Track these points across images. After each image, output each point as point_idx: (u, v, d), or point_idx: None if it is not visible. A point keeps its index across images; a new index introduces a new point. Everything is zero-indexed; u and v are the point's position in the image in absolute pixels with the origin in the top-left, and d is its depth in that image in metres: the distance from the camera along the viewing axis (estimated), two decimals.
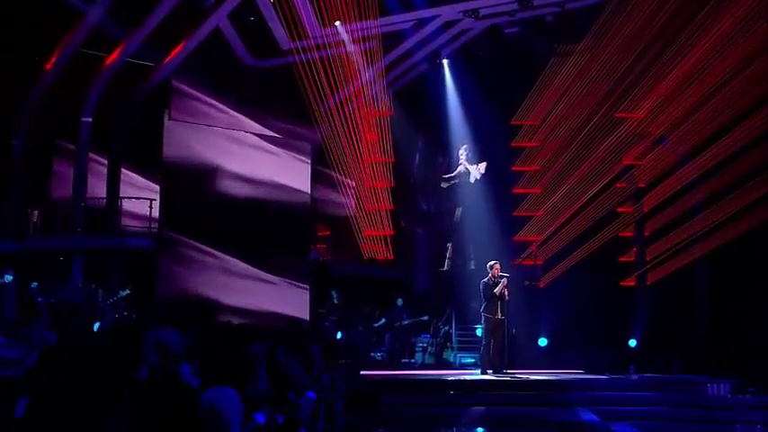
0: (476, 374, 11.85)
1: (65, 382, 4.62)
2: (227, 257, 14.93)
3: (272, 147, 15.78)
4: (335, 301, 15.79)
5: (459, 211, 15.16)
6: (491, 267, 11.80)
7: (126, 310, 13.11)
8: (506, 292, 11.48)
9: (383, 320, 15.30)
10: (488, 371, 11.62)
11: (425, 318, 14.96)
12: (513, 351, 12.39)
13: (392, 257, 16.21)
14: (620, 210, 15.31)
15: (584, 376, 12.00)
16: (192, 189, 14.81)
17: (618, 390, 10.98)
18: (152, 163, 14.95)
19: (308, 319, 15.19)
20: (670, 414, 10.06)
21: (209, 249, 14.83)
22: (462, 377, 11.36)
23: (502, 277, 11.64)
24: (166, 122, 14.73)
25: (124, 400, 4.07)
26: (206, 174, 15.06)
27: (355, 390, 8.52)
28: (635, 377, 11.91)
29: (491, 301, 11.55)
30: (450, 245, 15.29)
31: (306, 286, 15.59)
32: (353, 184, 16.07)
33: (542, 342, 14.41)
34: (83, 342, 6.34)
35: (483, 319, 11.66)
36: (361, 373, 10.79)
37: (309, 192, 16.04)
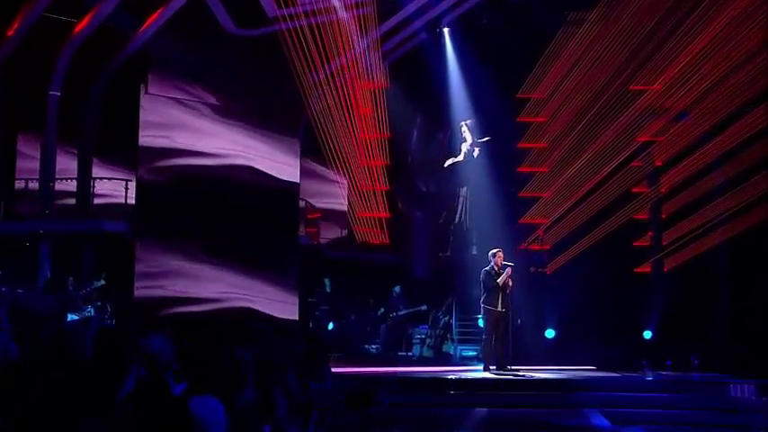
0: (478, 371, 11.69)
1: (30, 406, 4.25)
2: (209, 243, 14.68)
3: (258, 123, 15.41)
4: (328, 289, 15.79)
5: (463, 191, 15.06)
6: (494, 255, 11.54)
7: (100, 301, 12.79)
8: (509, 283, 11.26)
9: (382, 310, 15.30)
10: (491, 367, 11.47)
11: (423, 307, 14.89)
12: (518, 344, 12.26)
13: (388, 242, 16.19)
14: (635, 190, 15.08)
15: (593, 374, 11.83)
16: (169, 169, 14.55)
17: (631, 390, 10.78)
18: (127, 140, 14.53)
19: (296, 310, 15.08)
20: (688, 418, 9.85)
21: (188, 235, 14.57)
22: (463, 375, 11.19)
23: (505, 266, 11.41)
24: (142, 97, 14.46)
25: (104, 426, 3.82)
26: (185, 152, 14.82)
27: (347, 389, 8.30)
28: (650, 377, 11.71)
29: (492, 291, 11.34)
30: (451, 228, 15.18)
31: (293, 273, 15.34)
32: (346, 162, 15.89)
33: (549, 334, 14.34)
34: (54, 356, 5.87)
35: (483, 311, 11.47)
36: (351, 370, 10.68)
37: (298, 172, 15.81)
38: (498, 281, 11.33)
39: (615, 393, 10.55)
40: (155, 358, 4.05)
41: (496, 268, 11.50)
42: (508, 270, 11.35)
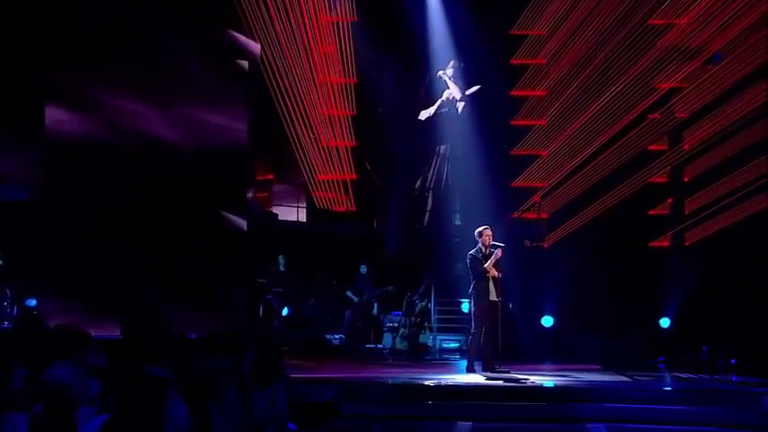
0: (460, 372, 11.30)
1: None
2: (134, 213, 13.60)
3: (194, 62, 14.21)
4: (282, 267, 15.22)
5: (443, 150, 15.18)
6: (480, 235, 10.97)
7: None
8: (496, 273, 10.77)
9: (348, 293, 14.93)
10: (475, 365, 11.11)
11: (390, 288, 14.58)
12: (508, 335, 12.06)
13: (354, 209, 15.81)
14: (652, 149, 14.67)
15: (598, 378, 11.29)
16: (80, 118, 13.52)
17: (644, 401, 9.98)
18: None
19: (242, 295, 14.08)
20: None
21: (106, 204, 13.53)
22: (444, 380, 10.65)
23: (495, 247, 10.82)
24: None
25: None
26: (99, 103, 13.75)
27: (305, 400, 7.80)
28: (667, 382, 11.24)
29: (481, 278, 10.84)
30: (429, 194, 15.34)
31: (241, 248, 14.29)
32: (304, 111, 15.28)
33: (547, 322, 14.06)
34: None
35: (472, 301, 11.09)
36: (309, 376, 10.20)
37: (246, 126, 14.51)
38: (486, 266, 10.78)
39: (625, 405, 9.84)
40: (63, 394, 3.72)
41: (484, 249, 10.94)
42: (497, 253, 10.77)
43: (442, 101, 14.61)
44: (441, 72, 14.71)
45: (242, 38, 14.43)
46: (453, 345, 14.08)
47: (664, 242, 14.76)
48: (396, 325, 14.33)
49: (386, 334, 14.48)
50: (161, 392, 5.73)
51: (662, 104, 14.50)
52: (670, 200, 14.92)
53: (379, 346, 14.43)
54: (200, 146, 13.94)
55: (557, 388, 10.47)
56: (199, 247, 13.72)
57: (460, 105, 14.51)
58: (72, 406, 3.80)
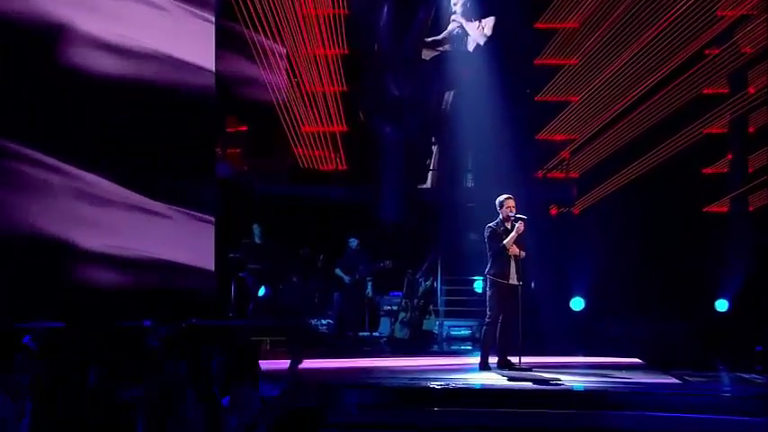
0: (473, 370, 10.81)
1: None
2: (85, 174, 13.15)
3: None
4: (257, 239, 14.72)
5: (449, 97, 15.20)
6: (501, 205, 10.42)
7: None
8: (517, 251, 10.43)
9: (338, 270, 14.47)
10: (491, 362, 10.71)
11: (387, 264, 14.18)
12: (531, 321, 11.81)
13: (344, 167, 15.95)
14: (707, 92, 14.49)
15: (641, 379, 10.66)
16: (26, 61, 12.93)
17: (698, 409, 9.30)
18: None
19: (211, 270, 13.64)
20: None
21: (55, 161, 13.11)
22: (453, 382, 10.18)
23: (517, 220, 10.35)
24: None
25: None
26: (49, 36, 13.14)
27: (284, 406, 7.66)
28: (728, 388, 10.56)
29: (500, 257, 10.33)
30: (434, 149, 15.33)
31: (209, 218, 13.82)
32: (284, 50, 15.31)
33: (577, 304, 14.21)
34: None
35: (489, 284, 10.63)
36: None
37: (213, 66, 14.12)
38: (505, 242, 10.32)
39: (673, 415, 9.26)
40: None
41: (505, 222, 10.47)
42: (519, 227, 10.28)
43: (450, 34, 14.63)
44: (453, 16, 14.71)
45: None
46: (464, 332, 13.98)
47: (721, 207, 14.78)
48: (395, 308, 14.16)
49: (383, 319, 14.38)
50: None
51: (724, 38, 14.34)
52: (730, 156, 14.87)
53: (375, 333, 14.29)
54: (155, 87, 13.39)
55: (588, 392, 9.98)
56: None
57: (472, 41, 14.50)
58: None
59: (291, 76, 15.43)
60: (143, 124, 13.24)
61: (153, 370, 7.08)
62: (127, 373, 7.11)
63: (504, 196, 10.56)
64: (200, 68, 13.82)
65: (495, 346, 10.72)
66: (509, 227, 10.42)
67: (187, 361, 7.34)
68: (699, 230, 14.44)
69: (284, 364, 9.07)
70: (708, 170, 14.82)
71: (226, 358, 7.55)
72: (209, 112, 14.07)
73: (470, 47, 14.66)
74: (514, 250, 10.38)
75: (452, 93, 15.21)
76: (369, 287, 14.52)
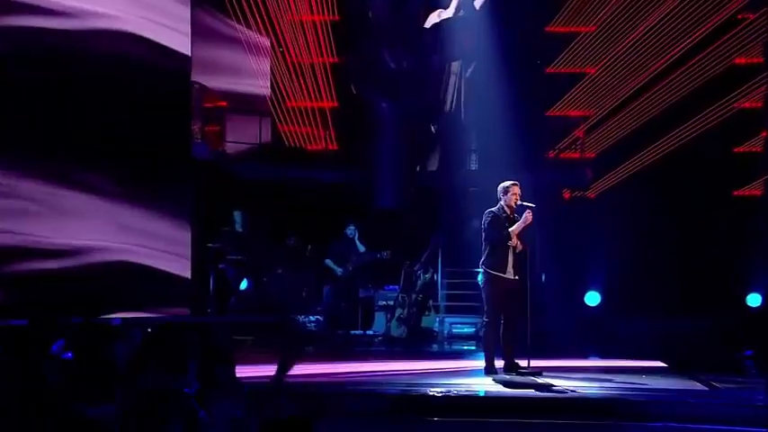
0: (478, 374, 10.58)
1: None
2: (30, 162, 12.21)
3: None
4: (239, 227, 14.66)
5: (455, 68, 15.17)
6: (506, 191, 10.22)
7: None
8: (519, 243, 10.25)
9: (328, 261, 14.46)
10: (498, 366, 10.39)
11: (384, 254, 14.22)
12: (541, 318, 11.84)
13: (335, 147, 16.01)
14: (740, 62, 14.36)
15: (663, 385, 10.38)
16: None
17: (730, 421, 8.95)
18: None
19: (187, 264, 13.29)
20: None
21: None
22: (455, 388, 9.89)
23: (523, 208, 10.13)
24: None
25: None
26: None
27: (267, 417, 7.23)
28: (761, 395, 10.09)
29: (499, 247, 10.17)
30: (434, 128, 15.42)
31: (184, 204, 13.48)
32: (268, 15, 15.24)
33: (592, 299, 14.29)
34: None
35: (486, 277, 10.34)
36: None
37: (188, 33, 13.42)
38: (511, 230, 10.10)
39: (699, 427, 8.96)
40: None
41: (509, 211, 10.22)
42: (526, 216, 10.05)
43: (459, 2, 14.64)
44: None
45: None
46: (467, 330, 13.90)
47: (754, 190, 14.76)
48: (391, 304, 14.08)
49: (378, 315, 14.29)
50: None
51: (759, 1, 14.22)
52: (765, 133, 14.68)
53: (369, 332, 14.27)
54: (122, 57, 12.59)
55: (605, 400, 9.65)
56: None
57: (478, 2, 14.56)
58: None
59: (276, 45, 15.39)
60: (104, 101, 12.24)
61: (127, 380, 6.78)
62: (95, 383, 6.77)
63: (509, 182, 10.44)
64: (177, 40, 12.94)
65: (498, 347, 10.42)
66: (512, 216, 10.22)
67: (167, 369, 7.08)
68: (729, 217, 14.42)
69: (269, 368, 8.59)
70: (740, 149, 14.83)
71: (201, 363, 7.21)
72: (181, 87, 13.34)
73: (477, 4, 14.52)
74: (515, 241, 10.19)
75: (457, 64, 15.20)
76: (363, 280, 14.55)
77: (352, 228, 14.53)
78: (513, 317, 10.34)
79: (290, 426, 7.14)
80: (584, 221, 14.43)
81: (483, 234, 10.43)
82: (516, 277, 10.31)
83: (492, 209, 10.34)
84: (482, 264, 10.37)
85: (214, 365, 7.07)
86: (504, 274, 10.21)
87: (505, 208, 10.31)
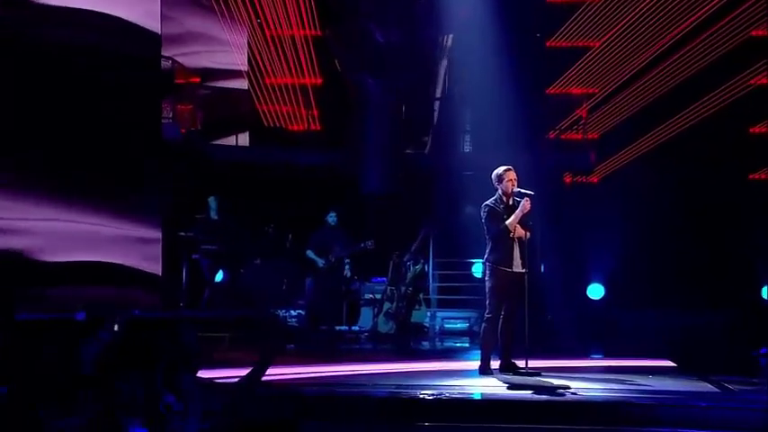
0: (472, 374, 10.38)
1: None
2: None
3: None
4: (214, 214, 14.57)
5: (447, 41, 15.32)
6: (500, 178, 10.07)
7: None
8: (522, 232, 10.12)
9: (310, 253, 14.32)
10: (493, 365, 10.26)
11: (369, 244, 14.04)
12: (540, 313, 12.18)
13: (318, 128, 16.01)
14: (757, 34, 14.23)
15: (671, 386, 10.06)
16: None
17: (743, 427, 8.55)
18: None
19: (158, 254, 13.20)
20: None
21: None
22: (447, 390, 9.60)
23: (521, 196, 9.99)
24: None
25: None
26: None
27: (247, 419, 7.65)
28: None
29: (501, 240, 9.96)
30: (425, 108, 15.64)
31: (153, 189, 13.31)
32: None
33: (596, 292, 14.58)
34: None
35: (489, 271, 10.17)
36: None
37: (158, 8, 13.96)
38: (508, 223, 9.96)
39: None
40: None
41: (506, 199, 10.07)
42: (524, 204, 9.91)
43: None
44: None
45: None
46: (460, 325, 14.06)
47: None
48: (378, 297, 14.17)
49: (364, 310, 14.42)
50: None
51: None
52: None
53: (355, 327, 14.38)
54: (80, 38, 13.09)
55: (608, 403, 9.31)
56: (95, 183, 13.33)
57: None
58: None
59: (254, 17, 15.22)
60: (76, 72, 13.22)
61: (93, 386, 6.66)
62: (57, 389, 6.64)
63: (503, 168, 10.21)
64: (143, 11, 13.84)
65: (497, 346, 10.21)
66: (510, 203, 10.03)
67: (138, 372, 6.98)
68: (743, 202, 14.36)
69: (247, 369, 8.50)
70: (755, 129, 14.84)
71: (166, 363, 7.02)
72: (152, 60, 14.00)
73: None
74: (519, 232, 10.03)
75: (449, 37, 15.25)
76: (347, 272, 14.46)
77: (333, 215, 14.51)
78: (512, 309, 10.22)
79: (274, 429, 7.53)
80: (586, 208, 14.47)
81: (485, 229, 10.28)
82: (525, 270, 10.26)
83: (488, 201, 10.27)
84: (486, 260, 10.33)
85: (177, 369, 6.95)
86: (512, 268, 10.15)
87: (503, 197, 10.19)
